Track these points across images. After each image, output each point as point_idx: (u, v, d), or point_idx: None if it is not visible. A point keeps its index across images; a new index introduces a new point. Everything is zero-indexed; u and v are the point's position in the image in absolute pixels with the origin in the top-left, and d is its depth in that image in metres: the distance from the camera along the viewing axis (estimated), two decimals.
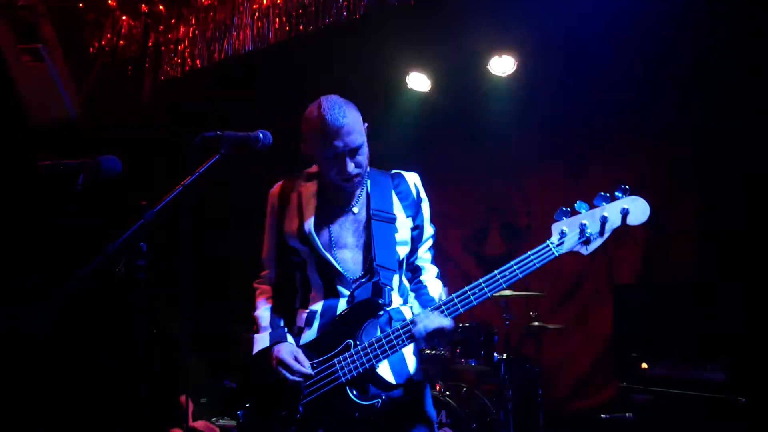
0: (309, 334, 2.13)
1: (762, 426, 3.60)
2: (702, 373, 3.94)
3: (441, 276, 2.33)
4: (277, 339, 2.13)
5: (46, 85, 3.73)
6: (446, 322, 1.97)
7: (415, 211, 2.24)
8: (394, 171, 2.33)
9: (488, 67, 5.25)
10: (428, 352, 4.49)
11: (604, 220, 2.00)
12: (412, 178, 2.31)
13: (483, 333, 4.51)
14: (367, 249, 2.13)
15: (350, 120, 2.07)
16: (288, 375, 2.03)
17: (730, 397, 3.74)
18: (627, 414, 4.16)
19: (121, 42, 4.29)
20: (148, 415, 4.29)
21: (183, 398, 4.35)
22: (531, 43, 5.09)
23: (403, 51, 5.29)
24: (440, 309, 1.99)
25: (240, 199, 5.99)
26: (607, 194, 2.04)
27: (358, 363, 2.00)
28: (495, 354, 4.51)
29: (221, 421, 4.35)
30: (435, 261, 2.35)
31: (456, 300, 1.99)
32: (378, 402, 1.97)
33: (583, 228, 2.00)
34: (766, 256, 4.31)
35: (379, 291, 2.06)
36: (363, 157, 2.12)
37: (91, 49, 4.24)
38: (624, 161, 5.37)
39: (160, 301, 4.55)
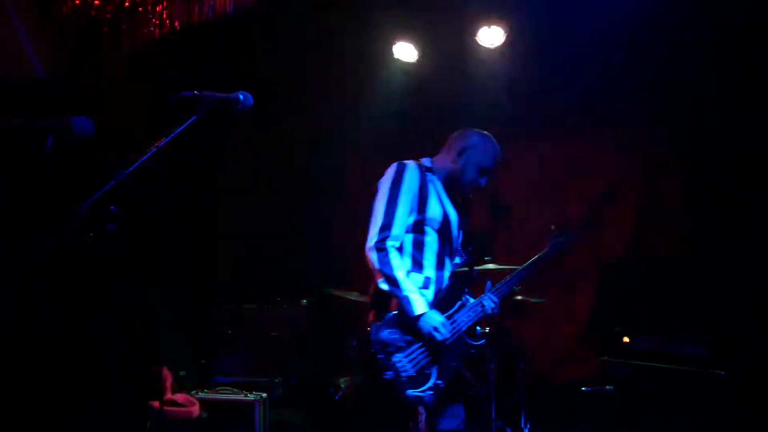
0: (429, 295, 2.77)
1: (741, 399, 3.64)
2: (683, 348, 3.96)
3: None
4: (428, 306, 2.70)
5: (12, 42, 3.57)
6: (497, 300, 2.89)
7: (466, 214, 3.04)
8: None
9: (477, 38, 5.14)
10: None
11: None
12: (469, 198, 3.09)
13: None
14: (463, 236, 2.93)
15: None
16: (439, 336, 2.65)
17: (710, 371, 3.76)
18: (608, 387, 4.18)
19: (96, 2, 4.12)
20: (127, 388, 4.25)
21: (162, 370, 4.31)
22: (521, 15, 4.99)
23: (390, 20, 5.18)
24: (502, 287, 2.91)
25: (228, 170, 5.92)
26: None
27: (469, 317, 2.76)
28: (478, 327, 4.49)
29: (200, 394, 4.31)
30: None
31: (502, 284, 2.89)
32: (483, 342, 2.82)
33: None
34: (750, 234, 4.32)
35: (471, 266, 2.92)
36: None
37: (64, 9, 4.07)
38: (610, 136, 5.34)
39: (141, 271, 4.48)
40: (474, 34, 5.11)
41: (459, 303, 2.77)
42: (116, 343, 4.16)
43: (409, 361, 2.63)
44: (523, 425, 4.33)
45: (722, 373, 3.70)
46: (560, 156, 5.51)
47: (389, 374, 2.57)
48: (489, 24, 5.03)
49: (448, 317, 2.73)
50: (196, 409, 4.16)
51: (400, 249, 2.74)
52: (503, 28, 5.04)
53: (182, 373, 4.71)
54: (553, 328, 5.39)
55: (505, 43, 5.09)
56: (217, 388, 4.41)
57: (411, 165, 2.82)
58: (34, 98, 3.64)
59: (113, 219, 1.70)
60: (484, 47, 5.15)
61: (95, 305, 3.93)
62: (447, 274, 2.84)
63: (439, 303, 2.76)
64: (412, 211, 2.75)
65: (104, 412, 4.06)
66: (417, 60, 5.45)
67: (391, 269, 2.65)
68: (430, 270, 2.79)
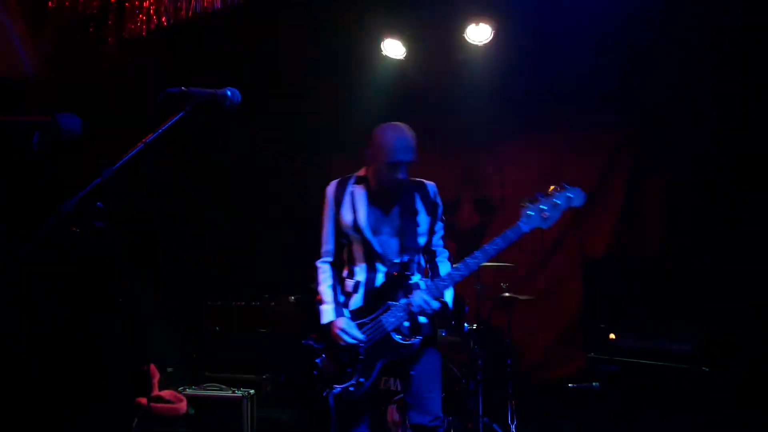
0: (357, 299, 2.87)
1: (725, 395, 3.68)
2: (669, 345, 4.00)
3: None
4: (338, 314, 2.84)
5: (1, 39, 3.53)
6: (429, 299, 2.73)
7: (431, 210, 2.92)
8: (418, 179, 2.97)
9: (465, 35, 5.14)
10: None
11: (556, 205, 2.76)
12: (431, 186, 2.98)
13: (454, 303, 4.50)
14: (399, 236, 2.85)
15: (414, 144, 2.81)
16: (347, 339, 2.78)
17: (695, 368, 3.80)
18: (594, 383, 4.22)
19: None
20: (114, 385, 4.23)
21: (151, 367, 4.29)
22: (509, 12, 5.00)
23: (378, 17, 5.17)
24: (436, 285, 2.75)
25: (216, 166, 5.90)
26: (558, 187, 2.79)
27: (396, 317, 2.75)
28: (465, 324, 4.52)
29: (188, 390, 4.30)
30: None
31: (449, 275, 2.78)
32: (416, 341, 2.77)
33: (542, 211, 2.75)
34: (738, 232, 4.37)
35: (406, 266, 2.81)
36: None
37: (50, 4, 4.03)
38: (596, 135, 5.38)
39: (129, 268, 4.45)
40: (462, 31, 5.12)
41: (388, 304, 2.77)
42: (105, 339, 4.14)
43: (330, 362, 2.84)
44: (510, 421, 4.36)
45: (708, 369, 3.75)
46: (548, 153, 5.54)
47: (315, 372, 2.85)
48: (477, 21, 5.04)
49: (373, 319, 2.79)
50: (183, 406, 4.15)
51: (338, 261, 2.98)
52: (491, 26, 5.05)
53: (170, 369, 4.69)
54: (541, 325, 5.43)
55: (493, 40, 5.10)
56: (205, 385, 4.40)
57: (332, 183, 3.00)
58: (24, 97, 3.61)
59: (100, 216, 1.69)
60: (472, 44, 5.15)
61: (86, 302, 3.91)
62: (380, 276, 2.85)
63: (366, 305, 2.84)
64: (335, 224, 2.95)
65: (93, 409, 4.05)
66: (405, 57, 5.45)
67: (318, 284, 2.96)
68: (361, 274, 2.88)
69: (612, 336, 4.19)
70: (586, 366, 4.30)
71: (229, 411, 4.21)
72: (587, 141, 5.40)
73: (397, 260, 2.85)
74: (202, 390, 4.32)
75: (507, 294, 4.54)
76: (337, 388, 2.77)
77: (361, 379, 2.76)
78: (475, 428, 4.24)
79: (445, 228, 3.04)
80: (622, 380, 4.10)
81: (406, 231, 2.84)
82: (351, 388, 2.76)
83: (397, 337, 2.76)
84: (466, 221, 5.87)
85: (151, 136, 1.84)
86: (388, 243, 2.86)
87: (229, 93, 2.04)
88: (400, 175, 2.77)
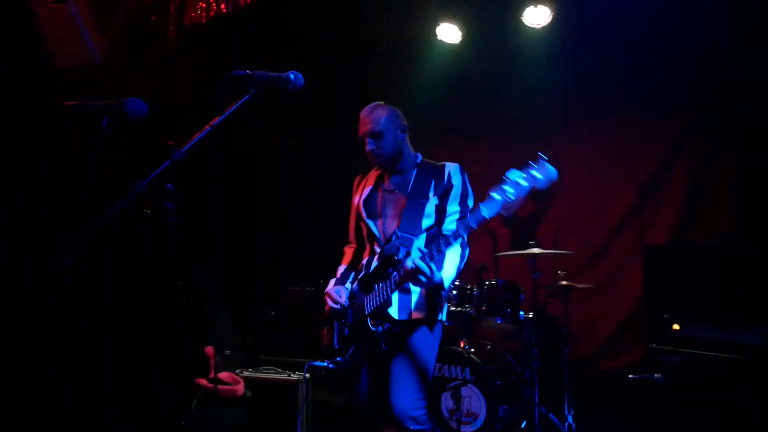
0: (356, 282, 2.87)
1: None
2: (735, 336, 3.85)
3: (465, 242, 2.69)
4: (336, 284, 2.92)
5: (69, 28, 3.65)
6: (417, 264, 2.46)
7: (442, 193, 2.77)
8: (441, 163, 2.86)
9: (522, 17, 5.03)
10: (453, 308, 4.45)
11: (518, 185, 2.41)
12: (449, 168, 2.82)
13: (510, 291, 4.45)
14: (399, 220, 2.77)
15: (375, 115, 2.77)
16: (330, 303, 2.84)
17: (763, 360, 3.65)
18: (656, 375, 4.10)
19: None
20: (174, 366, 4.35)
21: (209, 349, 4.40)
22: None
23: (434, 1, 5.10)
24: (421, 256, 2.49)
25: (271, 152, 5.97)
26: (530, 164, 2.46)
27: (374, 301, 2.67)
28: (521, 312, 4.46)
29: (245, 373, 4.39)
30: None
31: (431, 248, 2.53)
32: (380, 329, 2.66)
33: (506, 192, 2.41)
34: None
35: (397, 250, 2.69)
36: (384, 143, 2.77)
37: None
38: (660, 122, 5.20)
39: (188, 250, 4.56)
40: (520, 13, 5.00)
41: (375, 286, 2.70)
42: (167, 321, 4.26)
43: (327, 335, 2.94)
44: (566, 411, 4.29)
45: None
46: (608, 140, 5.39)
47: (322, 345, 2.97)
48: (536, 3, 4.91)
49: (359, 300, 2.76)
50: (240, 388, 4.24)
51: (359, 246, 3.02)
52: (550, 7, 4.91)
53: (227, 352, 4.79)
54: (600, 314, 5.31)
55: (551, 23, 4.96)
56: (262, 368, 4.48)
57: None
58: (92, 84, 3.72)
59: (170, 197, 1.73)
60: (530, 27, 5.03)
61: (150, 283, 4.03)
62: (374, 258, 2.82)
63: (359, 288, 2.82)
64: (352, 210, 3.05)
65: (154, 389, 4.18)
66: (460, 42, 5.37)
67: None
68: (365, 255, 2.92)
69: (676, 326, 4.06)
70: (649, 357, 4.19)
71: (285, 394, 4.28)
72: (650, 128, 5.22)
73: (389, 243, 2.76)
74: (259, 373, 4.41)
75: (564, 282, 4.45)
76: (325, 362, 2.83)
77: (338, 359, 2.80)
78: (531, 417, 4.18)
79: (466, 212, 2.75)
80: (685, 372, 3.97)
81: (406, 213, 2.76)
82: (331, 365, 2.80)
83: (369, 322, 2.69)
84: (521, 209, 5.77)
85: (218, 119, 1.87)
86: (390, 226, 2.81)
87: (292, 76, 2.08)
88: (368, 148, 2.77)
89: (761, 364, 3.66)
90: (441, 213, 2.77)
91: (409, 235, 2.72)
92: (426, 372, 2.71)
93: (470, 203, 2.80)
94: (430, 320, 2.73)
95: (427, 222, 2.76)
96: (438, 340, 2.80)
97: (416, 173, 2.85)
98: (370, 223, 2.84)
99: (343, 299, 2.82)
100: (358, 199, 2.95)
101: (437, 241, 2.49)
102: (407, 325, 2.70)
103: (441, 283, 2.58)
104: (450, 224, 2.75)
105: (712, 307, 4.17)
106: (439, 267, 2.58)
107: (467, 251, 2.71)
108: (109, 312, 3.93)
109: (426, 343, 2.73)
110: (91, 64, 3.78)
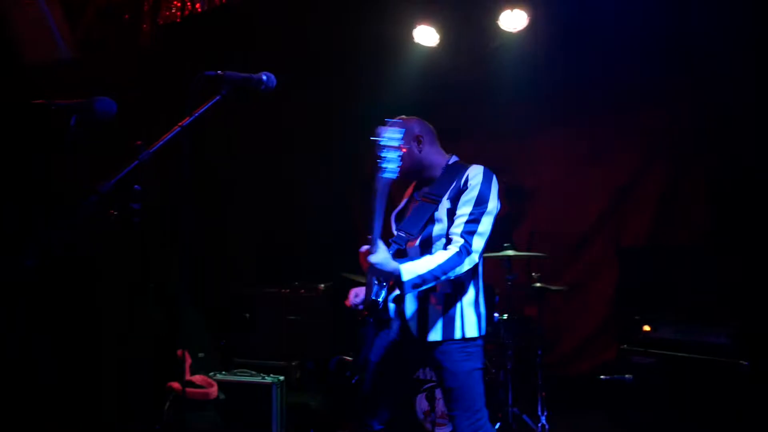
0: None
1: (764, 389, 3.58)
2: (705, 337, 3.91)
3: (466, 250, 2.57)
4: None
5: (39, 24, 3.58)
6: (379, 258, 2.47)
7: (454, 195, 2.65)
8: (468, 164, 2.74)
9: (499, 21, 5.05)
10: None
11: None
12: (471, 169, 2.70)
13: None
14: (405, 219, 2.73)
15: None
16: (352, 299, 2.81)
17: (732, 361, 3.71)
18: (627, 376, 4.15)
19: None
20: (146, 369, 4.30)
21: (180, 352, 4.35)
22: None
23: (411, 3, 5.10)
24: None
25: (247, 153, 5.93)
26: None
27: (369, 294, 2.60)
28: (495, 314, 4.48)
29: (218, 376, 4.34)
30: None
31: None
32: (370, 320, 2.62)
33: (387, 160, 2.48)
34: None
35: (395, 250, 2.64)
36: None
37: None
38: (635, 122, 5.26)
39: (157, 251, 4.50)
40: (496, 17, 5.02)
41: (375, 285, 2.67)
42: (139, 323, 4.20)
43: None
44: (540, 412, 4.31)
45: (746, 363, 3.65)
46: (584, 142, 5.44)
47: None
48: (512, 7, 4.93)
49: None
50: (214, 391, 4.20)
51: None
52: (527, 12, 4.94)
53: (201, 354, 4.75)
54: (574, 316, 5.36)
55: (528, 27, 4.99)
56: (235, 370, 4.44)
57: None
58: (62, 82, 3.65)
59: (138, 198, 1.70)
60: (507, 31, 5.06)
61: (120, 286, 3.97)
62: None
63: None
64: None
65: (126, 392, 4.12)
66: (437, 44, 5.38)
67: None
68: None
69: (647, 328, 4.11)
70: (620, 358, 4.23)
71: (259, 397, 4.24)
72: (625, 131, 5.29)
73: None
74: (233, 375, 4.37)
75: (538, 284, 4.48)
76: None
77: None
78: (505, 418, 4.20)
79: (475, 215, 2.60)
80: (656, 373, 4.02)
81: (413, 213, 2.70)
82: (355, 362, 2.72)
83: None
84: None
85: (187, 120, 1.85)
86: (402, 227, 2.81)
87: (264, 77, 2.06)
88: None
89: (731, 364, 3.72)
90: (452, 216, 2.63)
91: (405, 235, 2.65)
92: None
93: (486, 208, 2.61)
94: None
95: (434, 226, 2.63)
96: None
97: (440, 176, 2.76)
98: (394, 226, 2.84)
99: (359, 299, 2.78)
100: (395, 211, 2.93)
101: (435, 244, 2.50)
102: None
103: (396, 272, 2.44)
104: (455, 227, 2.59)
105: (683, 309, 4.23)
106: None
107: (465, 259, 2.52)
108: (74, 316, 3.86)
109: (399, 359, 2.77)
110: (61, 61, 3.71)
